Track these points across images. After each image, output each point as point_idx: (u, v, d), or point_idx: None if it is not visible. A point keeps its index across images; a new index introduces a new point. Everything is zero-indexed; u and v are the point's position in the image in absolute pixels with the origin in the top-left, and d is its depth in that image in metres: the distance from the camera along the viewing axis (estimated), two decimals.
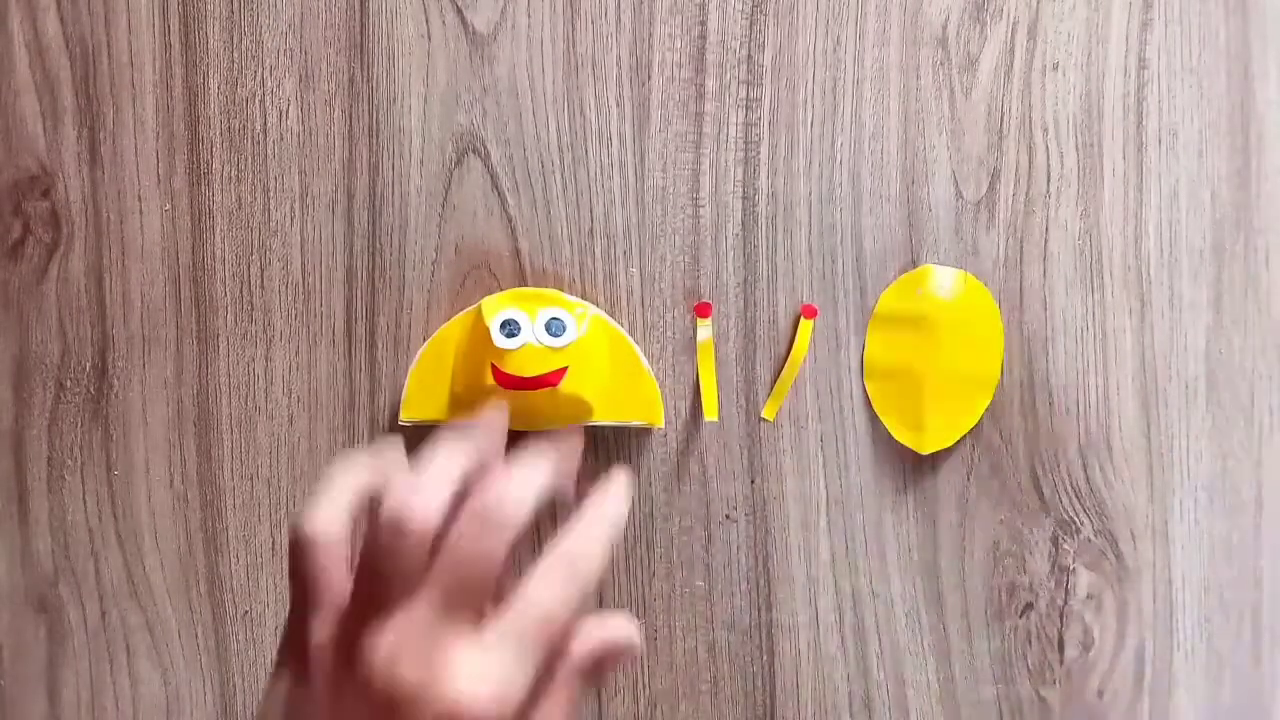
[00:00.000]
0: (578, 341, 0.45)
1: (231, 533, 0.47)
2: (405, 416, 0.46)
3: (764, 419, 0.48)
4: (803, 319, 0.48)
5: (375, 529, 0.32)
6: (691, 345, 0.48)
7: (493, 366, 0.44)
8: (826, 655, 0.49)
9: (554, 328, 0.44)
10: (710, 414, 0.47)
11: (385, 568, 0.32)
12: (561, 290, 0.47)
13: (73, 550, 0.46)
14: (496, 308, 0.45)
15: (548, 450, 0.34)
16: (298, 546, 0.33)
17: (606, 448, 0.48)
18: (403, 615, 0.32)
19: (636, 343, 0.47)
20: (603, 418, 0.46)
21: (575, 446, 0.45)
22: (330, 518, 0.33)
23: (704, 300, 0.48)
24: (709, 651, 0.48)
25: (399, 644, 0.31)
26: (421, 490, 0.32)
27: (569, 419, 0.45)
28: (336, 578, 0.33)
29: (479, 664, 0.31)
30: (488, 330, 0.44)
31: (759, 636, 0.49)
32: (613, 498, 0.35)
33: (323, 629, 0.33)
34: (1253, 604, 0.51)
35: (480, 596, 0.32)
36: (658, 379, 0.47)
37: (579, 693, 0.34)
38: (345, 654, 0.32)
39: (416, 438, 0.46)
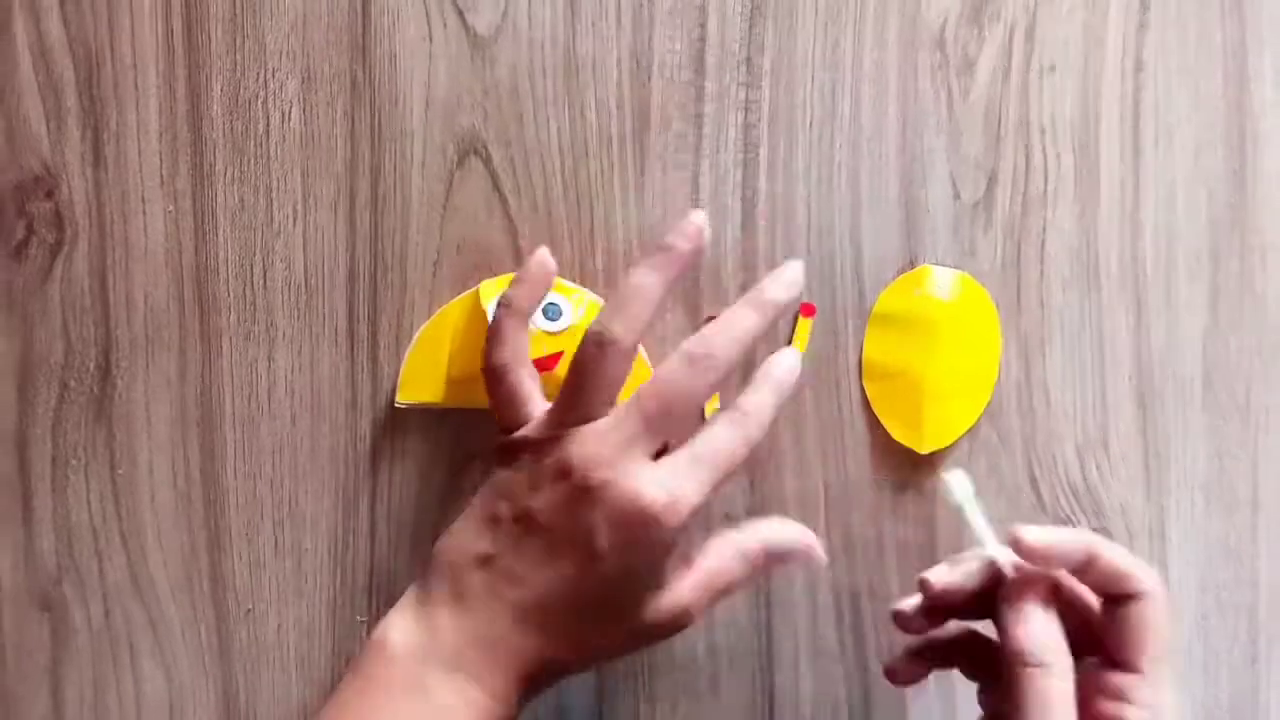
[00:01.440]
0: (574, 326, 0.45)
1: (235, 532, 0.47)
2: (401, 399, 0.46)
3: None
4: (801, 318, 0.48)
5: (581, 344, 0.39)
6: None
7: None
8: (826, 654, 0.49)
9: (550, 312, 0.45)
10: None
11: (586, 380, 0.38)
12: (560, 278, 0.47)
13: (76, 549, 0.46)
14: (494, 291, 0.45)
15: (756, 306, 0.39)
16: (492, 375, 0.41)
17: None
18: (604, 425, 0.38)
19: None
20: None
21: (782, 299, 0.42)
22: (510, 350, 0.41)
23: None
24: (709, 651, 0.48)
25: (598, 449, 0.37)
26: (620, 313, 0.38)
27: None
28: (531, 393, 0.41)
29: (660, 475, 0.37)
30: (485, 313, 0.44)
31: (759, 636, 0.49)
32: (780, 366, 0.41)
33: (531, 429, 0.39)
34: (1249, 603, 0.51)
35: (677, 426, 0.38)
36: None
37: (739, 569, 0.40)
38: (551, 448, 0.38)
39: (413, 420, 0.47)
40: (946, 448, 0.49)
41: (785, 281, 0.41)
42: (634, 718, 0.48)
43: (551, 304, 0.45)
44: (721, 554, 0.40)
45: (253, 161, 0.46)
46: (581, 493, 0.37)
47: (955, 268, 0.49)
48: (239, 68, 0.46)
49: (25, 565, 0.46)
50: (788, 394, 0.41)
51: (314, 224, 0.47)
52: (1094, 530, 0.50)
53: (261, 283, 0.47)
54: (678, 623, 0.39)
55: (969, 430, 0.49)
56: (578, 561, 0.38)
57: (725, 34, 0.48)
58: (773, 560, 0.40)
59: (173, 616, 0.47)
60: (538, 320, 0.45)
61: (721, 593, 0.40)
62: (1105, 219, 0.50)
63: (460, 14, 0.47)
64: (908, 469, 0.49)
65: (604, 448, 0.38)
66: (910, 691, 0.49)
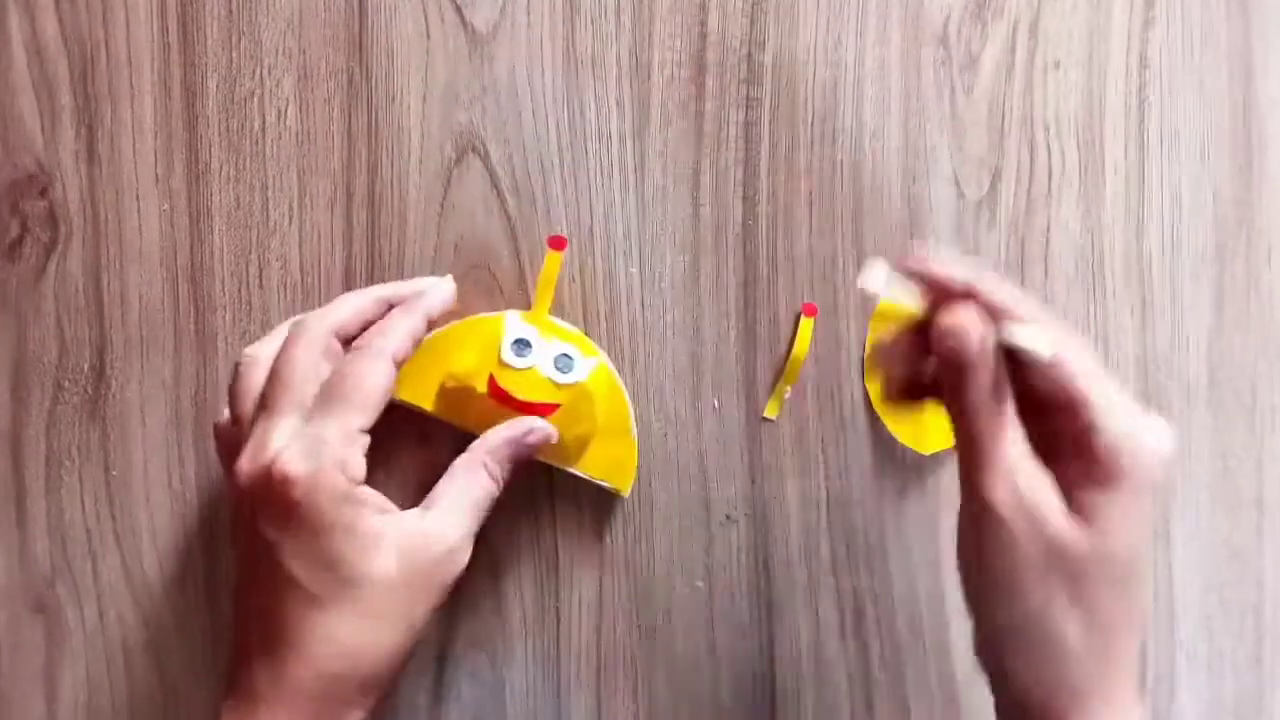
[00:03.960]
0: (578, 384, 0.44)
1: (229, 533, 0.46)
2: (395, 395, 0.45)
3: (765, 418, 0.48)
4: (803, 317, 0.48)
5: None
6: None
7: (491, 377, 0.44)
8: (827, 655, 0.49)
9: (561, 363, 0.44)
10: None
11: (232, 399, 0.41)
12: (579, 326, 0.47)
13: (71, 550, 0.46)
14: (517, 324, 0.45)
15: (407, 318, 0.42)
16: (214, 437, 0.43)
17: None
18: (255, 425, 0.39)
19: (630, 381, 0.47)
20: (573, 465, 0.45)
21: (445, 296, 0.44)
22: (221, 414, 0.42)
23: None
24: (709, 651, 0.48)
25: (251, 444, 0.38)
26: (255, 350, 0.41)
27: (543, 452, 0.45)
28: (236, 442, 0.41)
29: (294, 439, 0.38)
30: (499, 342, 0.44)
31: (759, 636, 0.48)
32: (400, 314, 0.42)
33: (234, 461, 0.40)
34: (1254, 604, 0.51)
35: (298, 401, 0.39)
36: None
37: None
38: (236, 470, 0.39)
39: (401, 416, 0.46)
40: (949, 448, 0.49)
41: (442, 295, 0.43)
42: (634, 718, 0.48)
43: (565, 355, 0.44)
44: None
45: (249, 160, 0.46)
46: (265, 490, 0.39)
47: None
48: (235, 65, 0.46)
49: (19, 567, 0.46)
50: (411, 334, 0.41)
51: (310, 222, 0.46)
52: None
53: (257, 282, 0.46)
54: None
55: None
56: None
57: (726, 30, 0.47)
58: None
59: (167, 618, 0.46)
60: (548, 365, 0.44)
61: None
62: (1110, 217, 0.50)
63: (458, 10, 0.46)
64: (910, 470, 0.49)
65: (255, 440, 0.40)
66: (911, 692, 0.49)
